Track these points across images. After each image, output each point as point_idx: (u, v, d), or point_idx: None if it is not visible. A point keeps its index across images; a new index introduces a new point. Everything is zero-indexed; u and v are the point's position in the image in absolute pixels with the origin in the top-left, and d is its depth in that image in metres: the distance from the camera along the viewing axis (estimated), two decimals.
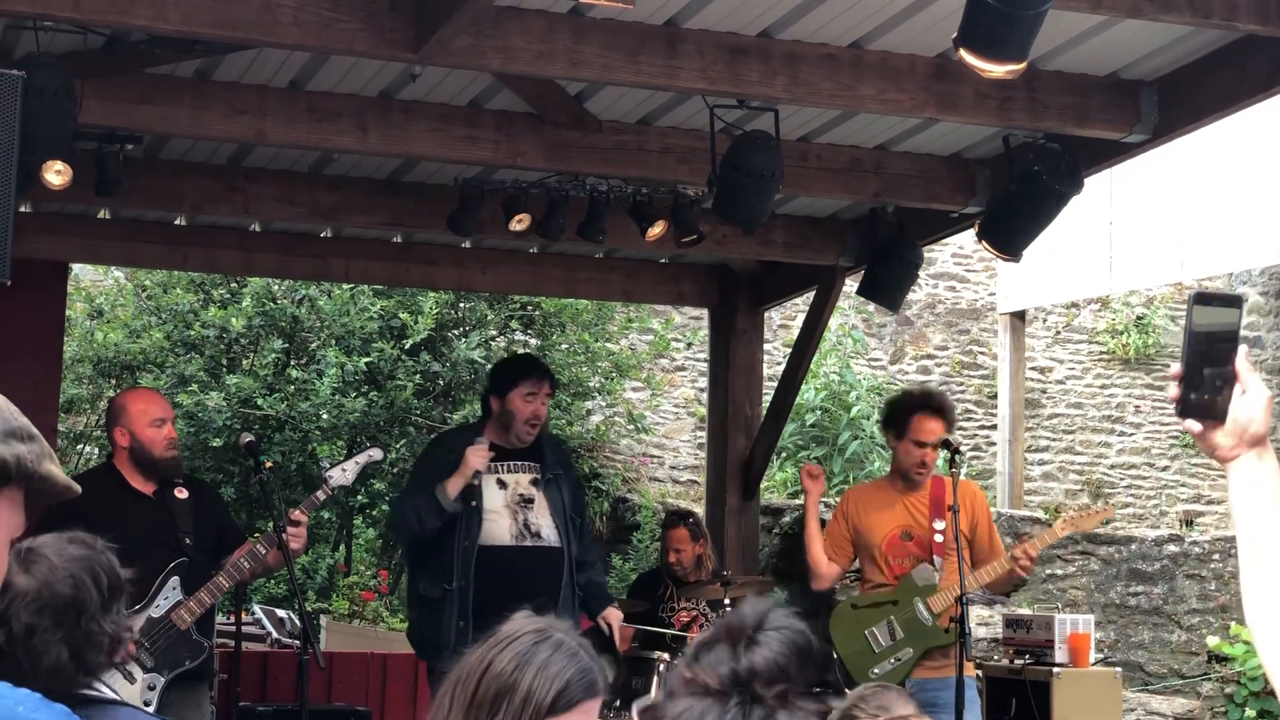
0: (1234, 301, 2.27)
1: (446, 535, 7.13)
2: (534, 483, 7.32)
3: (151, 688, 6.53)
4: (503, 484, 7.26)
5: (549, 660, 2.72)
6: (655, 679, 6.89)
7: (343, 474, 7.03)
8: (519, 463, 7.32)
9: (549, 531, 7.27)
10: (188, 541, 6.77)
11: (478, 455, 7.09)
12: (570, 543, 7.30)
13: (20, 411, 1.85)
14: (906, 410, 7.44)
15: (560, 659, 2.74)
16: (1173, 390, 2.27)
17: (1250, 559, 2.22)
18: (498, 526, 7.19)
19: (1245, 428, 2.24)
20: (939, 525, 7.28)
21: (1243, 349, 2.26)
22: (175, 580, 6.67)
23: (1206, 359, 2.23)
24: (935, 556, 7.29)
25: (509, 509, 7.23)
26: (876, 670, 7.26)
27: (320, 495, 7.02)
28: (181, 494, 6.92)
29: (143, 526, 6.65)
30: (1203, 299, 2.26)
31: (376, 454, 7.30)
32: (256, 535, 6.95)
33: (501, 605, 7.81)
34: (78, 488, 1.90)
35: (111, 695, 3.28)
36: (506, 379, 7.45)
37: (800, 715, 1.74)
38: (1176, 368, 2.26)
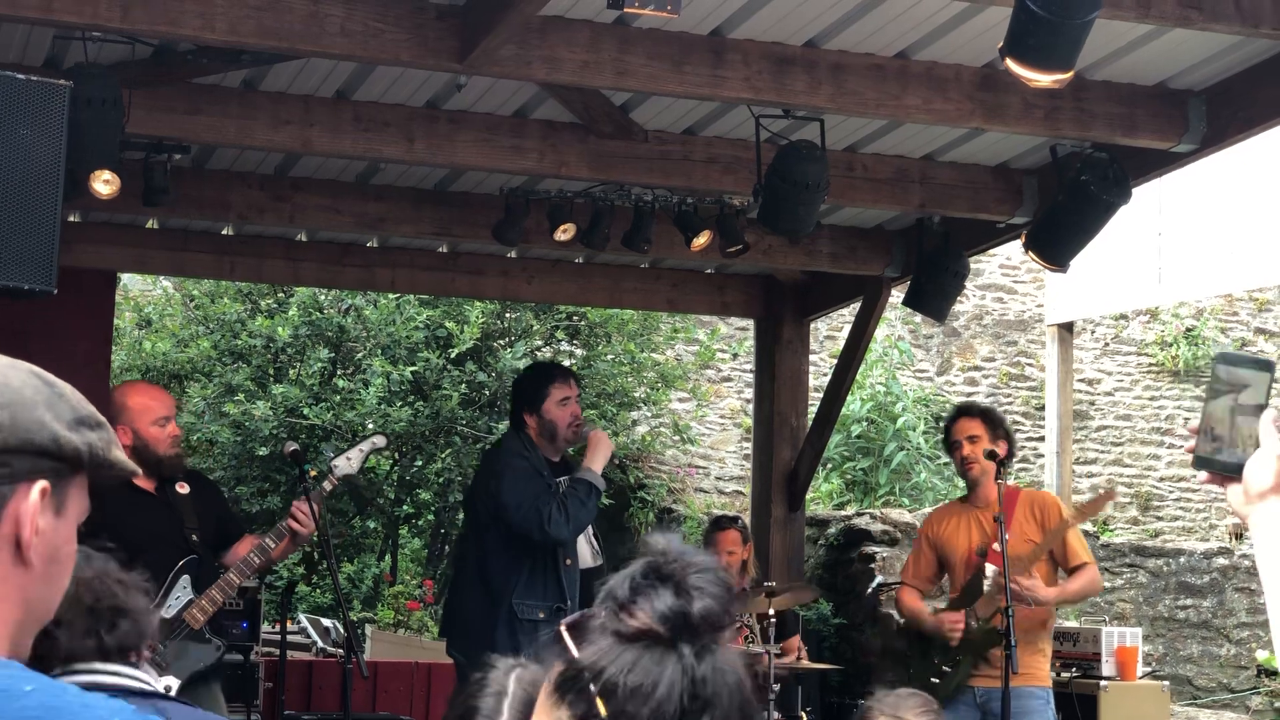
0: (1265, 366, 2.32)
1: (550, 555, 6.91)
2: None
3: (168, 689, 6.46)
4: None
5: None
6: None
7: (348, 463, 6.96)
8: (565, 478, 7.07)
9: (598, 543, 7.25)
10: (194, 538, 6.57)
11: (607, 438, 7.11)
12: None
13: (85, 398, 1.86)
14: (949, 422, 7.58)
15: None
16: (1189, 443, 2.34)
17: (1275, 600, 2.27)
18: (581, 547, 7.07)
19: (1254, 484, 2.30)
20: (1001, 535, 7.28)
21: (1270, 411, 2.31)
22: (186, 579, 6.47)
23: (1228, 418, 2.29)
24: (989, 565, 7.27)
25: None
26: (934, 679, 7.23)
27: (327, 485, 6.94)
28: (183, 489, 6.69)
29: (149, 526, 6.43)
30: (1226, 359, 2.31)
31: (380, 441, 7.21)
32: (273, 527, 6.82)
33: None
34: (138, 469, 1.93)
35: (155, 688, 3.29)
36: (536, 390, 7.13)
37: (731, 655, 1.67)
38: (1194, 422, 2.32)
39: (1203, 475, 2.34)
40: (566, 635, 1.68)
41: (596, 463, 6.95)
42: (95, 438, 1.84)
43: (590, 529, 7.16)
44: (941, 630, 7.30)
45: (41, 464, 1.77)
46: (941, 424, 7.95)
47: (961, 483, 7.91)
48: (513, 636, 6.85)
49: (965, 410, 7.64)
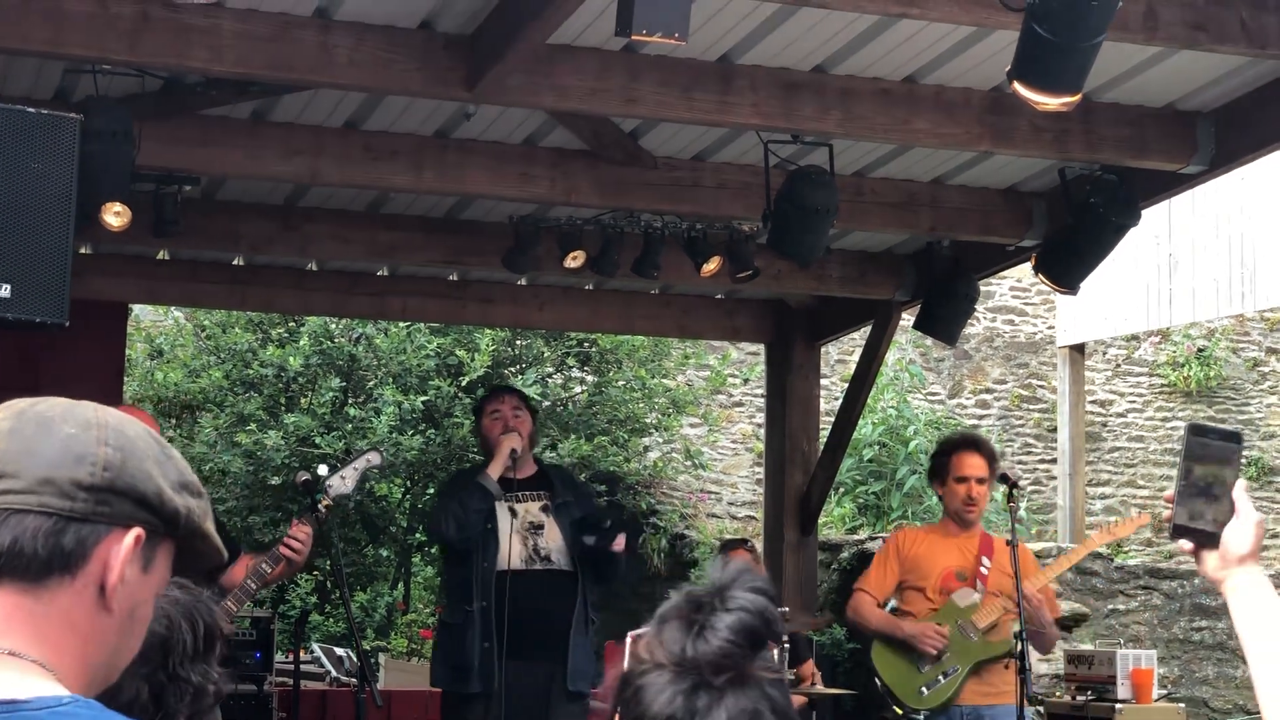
0: (1234, 438, 2.45)
1: (466, 559, 7.25)
2: (544, 509, 7.43)
3: None
4: (514, 511, 7.34)
5: None
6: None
7: (342, 482, 6.94)
8: (529, 492, 7.42)
9: (559, 556, 7.35)
10: None
11: (511, 438, 7.31)
12: (582, 568, 7.36)
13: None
14: (945, 453, 7.41)
15: None
16: (1166, 512, 2.43)
17: (1258, 662, 2.33)
18: (509, 551, 7.27)
19: (1234, 550, 2.41)
20: (986, 562, 7.26)
21: (1241, 481, 2.42)
22: None
23: (1205, 487, 2.39)
24: (979, 583, 7.25)
25: (520, 534, 7.31)
26: (925, 689, 7.16)
27: (323, 507, 6.93)
28: None
29: None
30: (1198, 431, 2.44)
31: (375, 458, 7.18)
32: (269, 551, 6.80)
33: (517, 627, 7.79)
34: (226, 555, 1.93)
35: None
36: (476, 412, 7.77)
37: (753, 688, 1.70)
38: (1170, 491, 2.42)
39: (1184, 544, 2.42)
40: (629, 643, 1.78)
41: (493, 467, 7.32)
42: (195, 504, 1.84)
43: (557, 534, 7.37)
44: (921, 641, 7.18)
45: (140, 514, 1.76)
46: (931, 456, 7.74)
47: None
48: (441, 645, 7.48)
49: (972, 445, 7.42)
